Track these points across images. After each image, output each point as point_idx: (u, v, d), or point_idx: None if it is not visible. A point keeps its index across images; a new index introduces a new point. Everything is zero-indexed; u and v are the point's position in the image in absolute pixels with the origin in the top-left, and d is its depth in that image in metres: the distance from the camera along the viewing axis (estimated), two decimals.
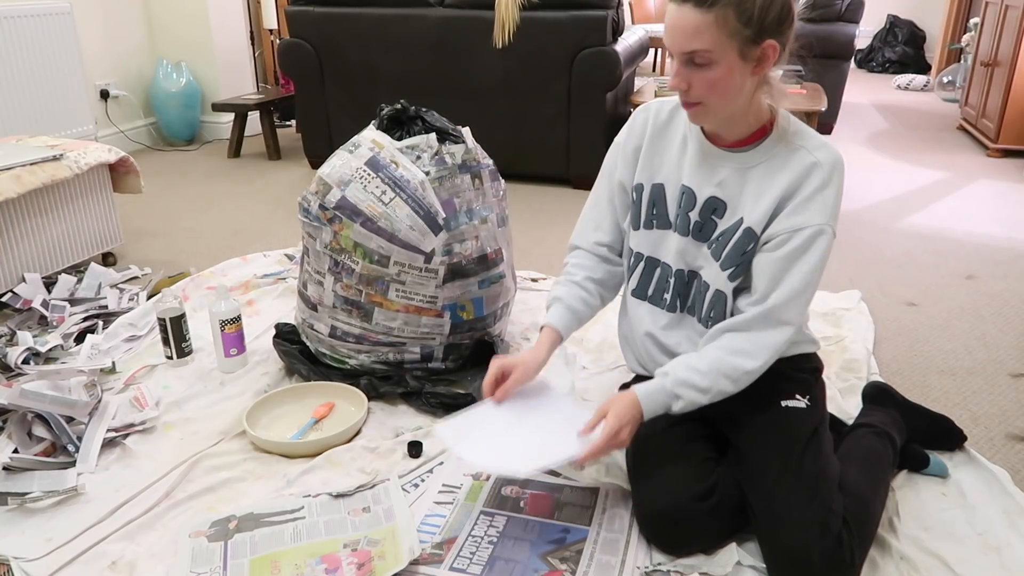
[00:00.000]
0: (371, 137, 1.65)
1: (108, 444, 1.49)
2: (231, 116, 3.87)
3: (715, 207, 1.26)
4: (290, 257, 2.45)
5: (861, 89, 5.76)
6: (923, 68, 6.38)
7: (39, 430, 1.47)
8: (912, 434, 1.44)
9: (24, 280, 2.09)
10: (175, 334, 1.76)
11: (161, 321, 1.75)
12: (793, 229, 1.18)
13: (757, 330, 1.20)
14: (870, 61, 6.73)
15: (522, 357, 1.35)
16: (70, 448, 1.45)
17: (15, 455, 1.41)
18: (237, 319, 1.73)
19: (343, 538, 1.22)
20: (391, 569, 1.14)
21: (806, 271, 1.18)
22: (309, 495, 1.34)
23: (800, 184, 1.18)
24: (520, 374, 1.32)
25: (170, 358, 1.78)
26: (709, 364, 1.20)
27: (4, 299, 2.03)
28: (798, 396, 1.28)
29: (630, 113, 3.32)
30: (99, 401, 1.57)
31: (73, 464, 1.43)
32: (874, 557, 1.20)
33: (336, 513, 1.28)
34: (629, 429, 1.20)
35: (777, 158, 1.21)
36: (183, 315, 1.77)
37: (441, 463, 1.44)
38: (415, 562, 1.18)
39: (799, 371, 1.32)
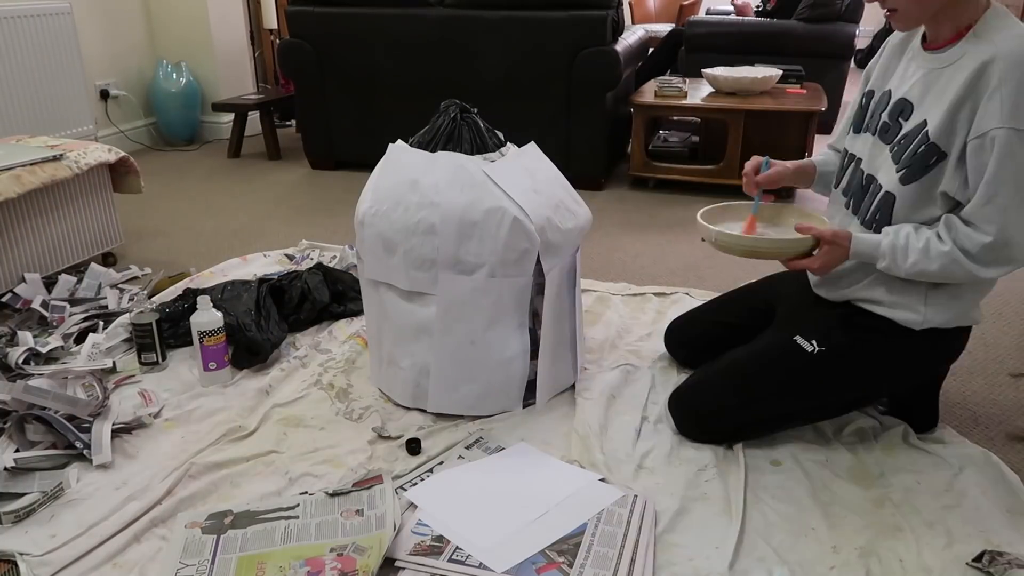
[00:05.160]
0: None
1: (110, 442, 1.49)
2: (231, 116, 3.87)
3: (902, 109, 1.32)
4: (290, 257, 2.45)
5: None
6: None
7: (35, 434, 1.47)
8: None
9: (24, 280, 2.09)
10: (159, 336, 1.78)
11: (146, 326, 1.75)
12: (978, 135, 1.19)
13: (958, 228, 1.25)
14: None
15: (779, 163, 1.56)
16: (77, 445, 1.45)
17: (19, 455, 1.41)
18: (218, 332, 1.70)
19: (331, 542, 1.22)
20: None
21: (1004, 179, 1.18)
22: (306, 492, 1.34)
23: (975, 85, 1.19)
24: (776, 171, 1.54)
25: (156, 362, 1.78)
26: (923, 242, 1.28)
27: (4, 299, 2.03)
28: (813, 341, 1.37)
29: (630, 113, 3.32)
30: (105, 399, 1.58)
31: (78, 459, 1.43)
32: (874, 555, 1.21)
33: (329, 514, 1.28)
34: (827, 258, 1.37)
35: (966, 57, 1.22)
36: (160, 318, 1.79)
37: (441, 462, 1.44)
38: (415, 553, 1.19)
39: (847, 320, 1.40)
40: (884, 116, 1.37)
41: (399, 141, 1.64)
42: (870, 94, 1.45)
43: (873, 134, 1.39)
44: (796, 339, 1.42)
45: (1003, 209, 1.20)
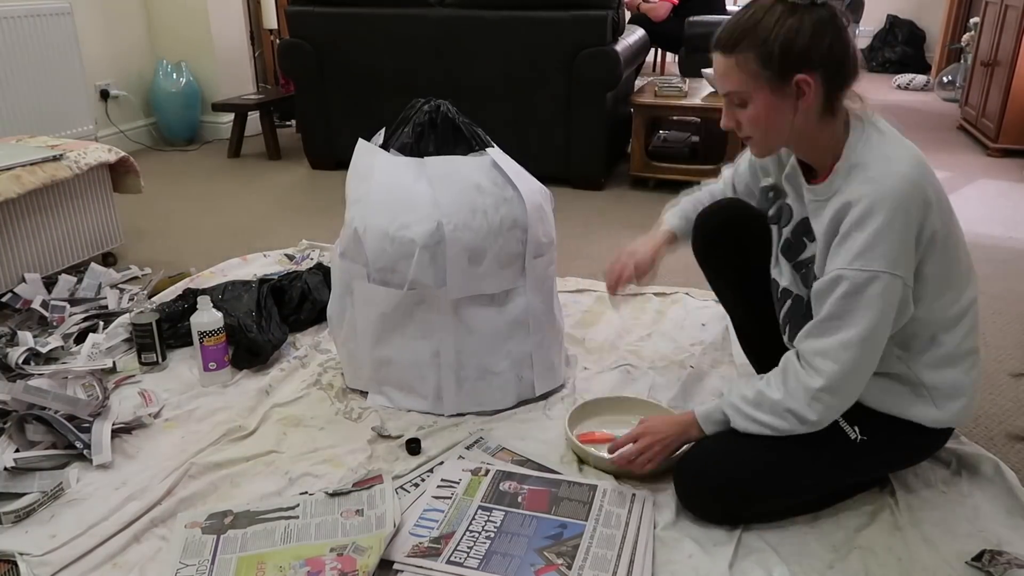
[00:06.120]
0: None
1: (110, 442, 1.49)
2: (231, 116, 3.87)
3: (807, 229, 1.26)
4: (290, 257, 2.45)
5: (861, 89, 5.74)
6: (923, 68, 6.38)
7: (35, 434, 1.47)
8: None
9: (24, 280, 2.09)
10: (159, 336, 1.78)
11: (146, 326, 1.76)
12: (833, 276, 1.15)
13: (792, 371, 1.20)
14: (870, 61, 6.73)
15: (635, 248, 1.52)
16: (77, 445, 1.45)
17: (19, 455, 1.41)
18: (218, 332, 1.70)
19: (331, 542, 1.22)
20: None
21: (846, 319, 1.14)
22: (306, 492, 1.35)
23: (837, 226, 1.16)
24: (636, 268, 1.50)
25: (156, 362, 1.78)
26: (754, 393, 1.24)
27: (4, 299, 2.03)
28: (856, 427, 1.25)
29: (630, 113, 3.32)
30: (105, 399, 1.58)
31: (78, 459, 1.43)
32: (873, 554, 1.21)
33: (329, 514, 1.28)
34: (660, 445, 1.30)
35: (835, 196, 1.18)
36: (160, 319, 1.79)
37: (441, 463, 1.44)
38: (413, 555, 1.19)
39: (883, 422, 1.25)
40: (787, 232, 1.32)
41: (402, 155, 1.60)
42: (776, 192, 1.37)
43: (782, 252, 1.34)
44: (840, 422, 1.25)
45: (840, 349, 1.15)
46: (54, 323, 1.97)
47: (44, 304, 2.01)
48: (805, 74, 1.13)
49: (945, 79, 5.39)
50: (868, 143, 1.18)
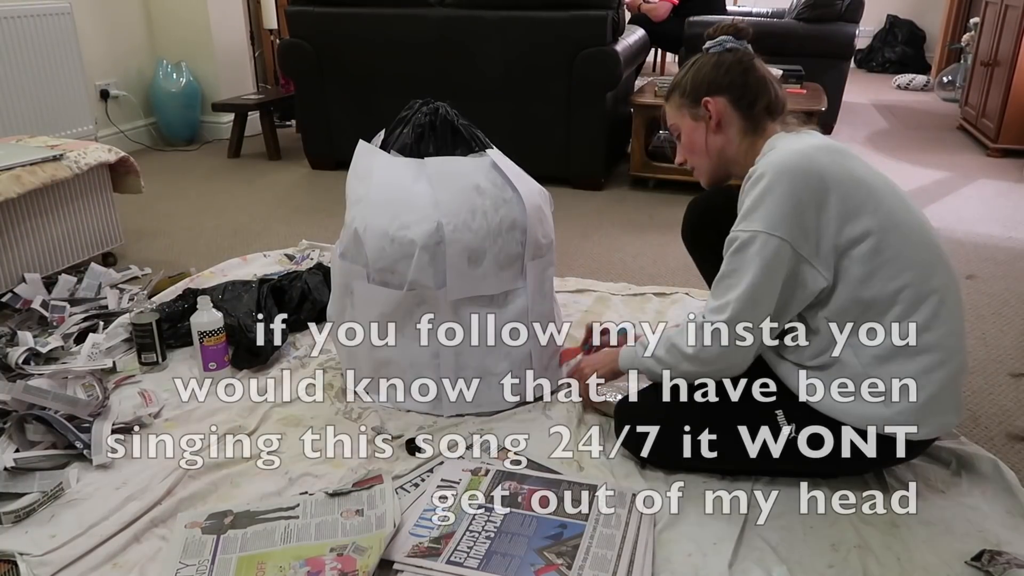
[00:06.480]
0: None
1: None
2: (231, 116, 3.87)
3: None
4: (290, 257, 2.45)
5: (861, 89, 5.76)
6: (923, 68, 6.38)
7: (35, 434, 1.47)
8: None
9: (24, 280, 2.09)
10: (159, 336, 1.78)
11: (146, 326, 1.76)
12: (727, 239, 1.28)
13: (700, 320, 1.30)
14: (870, 61, 6.74)
15: None
16: (77, 445, 1.45)
17: (19, 455, 1.41)
18: (218, 332, 1.70)
19: (331, 542, 1.22)
20: None
21: (739, 274, 1.24)
22: (306, 492, 1.35)
23: (743, 199, 1.28)
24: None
25: (156, 362, 1.78)
26: (663, 338, 1.37)
27: (4, 299, 2.03)
28: (793, 423, 1.29)
29: (630, 113, 3.32)
30: (105, 399, 1.58)
31: (78, 459, 1.43)
32: (872, 553, 1.21)
33: (329, 514, 1.28)
34: (589, 368, 1.55)
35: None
36: (160, 318, 1.80)
37: (441, 463, 1.44)
38: (413, 555, 1.19)
39: (818, 414, 1.27)
40: None
41: (402, 156, 1.60)
42: None
43: None
44: (777, 413, 1.31)
45: (726, 305, 1.25)
46: (54, 323, 1.97)
47: (44, 304, 2.01)
48: (711, 97, 1.37)
49: (945, 79, 5.40)
50: (783, 138, 1.33)
